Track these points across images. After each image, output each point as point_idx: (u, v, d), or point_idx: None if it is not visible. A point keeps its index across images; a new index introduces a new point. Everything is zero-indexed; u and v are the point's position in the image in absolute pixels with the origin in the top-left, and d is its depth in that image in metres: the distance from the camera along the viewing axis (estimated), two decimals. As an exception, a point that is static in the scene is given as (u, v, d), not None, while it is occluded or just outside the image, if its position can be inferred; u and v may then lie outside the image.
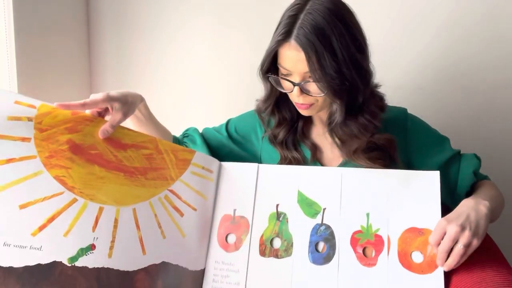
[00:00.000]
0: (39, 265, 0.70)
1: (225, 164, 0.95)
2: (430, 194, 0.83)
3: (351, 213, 0.86)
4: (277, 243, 0.88)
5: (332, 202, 0.87)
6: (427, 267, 0.79)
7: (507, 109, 1.25)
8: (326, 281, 0.83)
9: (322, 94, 0.85)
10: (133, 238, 0.81)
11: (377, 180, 0.87)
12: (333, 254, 0.84)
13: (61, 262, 0.72)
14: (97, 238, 0.77)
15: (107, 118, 0.84)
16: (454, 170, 0.95)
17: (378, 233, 0.84)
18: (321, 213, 0.87)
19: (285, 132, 0.97)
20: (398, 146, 0.93)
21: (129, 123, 0.93)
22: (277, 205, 0.90)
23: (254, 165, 0.93)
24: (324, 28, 0.80)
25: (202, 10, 1.46)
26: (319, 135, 0.99)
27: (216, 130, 1.09)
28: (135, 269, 0.81)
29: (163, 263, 0.84)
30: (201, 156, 0.91)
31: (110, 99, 0.81)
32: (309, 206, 0.88)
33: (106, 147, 0.81)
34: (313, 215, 0.87)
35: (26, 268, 0.69)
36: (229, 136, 1.07)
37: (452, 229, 0.74)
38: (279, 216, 0.89)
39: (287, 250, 0.87)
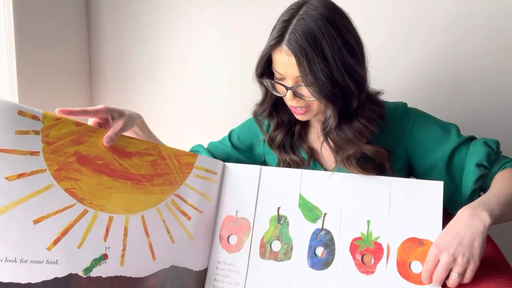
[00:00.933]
0: (56, 279, 0.71)
1: (229, 166, 0.96)
2: (432, 205, 0.82)
3: (352, 219, 0.86)
4: (277, 246, 0.89)
5: (333, 208, 0.87)
6: None
7: (507, 109, 1.25)
8: (324, 286, 0.84)
9: (314, 99, 0.86)
10: (143, 245, 0.82)
11: (380, 187, 0.86)
12: (332, 259, 0.85)
13: (76, 274, 0.73)
14: (108, 247, 0.78)
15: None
16: (459, 166, 0.90)
17: (378, 241, 0.83)
18: (322, 218, 0.88)
19: (282, 135, 0.99)
20: (400, 143, 0.93)
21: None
22: (279, 208, 0.91)
23: (256, 167, 0.95)
24: (315, 34, 0.80)
25: (202, 11, 1.45)
26: (317, 138, 1.00)
27: (220, 143, 1.11)
28: (146, 275, 0.82)
29: (172, 266, 0.86)
30: (204, 159, 0.92)
31: (109, 109, 0.83)
32: (310, 211, 0.89)
33: (112, 157, 0.81)
34: (314, 219, 0.88)
35: (44, 283, 0.69)
36: (233, 146, 1.09)
37: (443, 260, 0.72)
38: (280, 219, 0.91)
39: (287, 253, 0.88)
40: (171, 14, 1.48)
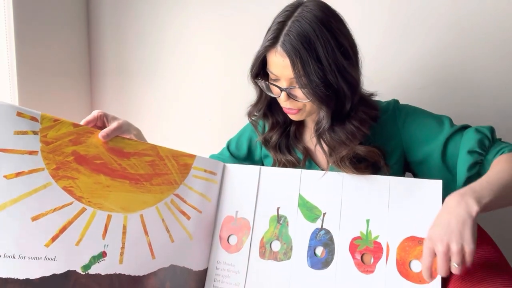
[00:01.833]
0: (54, 275, 0.72)
1: (229, 166, 0.97)
2: (431, 203, 0.81)
3: (351, 219, 0.86)
4: (277, 246, 0.89)
5: (332, 207, 0.87)
6: None
7: (507, 109, 1.24)
8: (324, 286, 0.84)
9: (308, 100, 0.86)
10: (142, 244, 0.83)
11: (379, 186, 0.86)
12: (332, 259, 0.85)
13: (75, 271, 0.74)
14: (107, 245, 0.78)
15: None
16: (453, 154, 0.89)
17: (377, 240, 0.83)
18: (321, 217, 0.87)
19: (278, 136, 0.99)
20: (393, 139, 0.93)
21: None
22: (278, 208, 0.91)
23: (256, 167, 0.95)
24: (309, 36, 0.81)
25: (203, 11, 1.47)
26: (312, 138, 1.00)
27: (220, 154, 1.12)
28: (145, 273, 0.83)
29: (171, 266, 0.86)
30: (202, 160, 0.93)
31: (105, 114, 0.86)
32: (309, 210, 0.89)
33: (110, 157, 0.82)
34: (313, 219, 0.88)
35: (42, 279, 0.70)
36: (232, 155, 1.10)
37: (439, 251, 0.70)
38: (279, 219, 0.90)
39: (286, 253, 0.88)
40: (171, 14, 1.50)
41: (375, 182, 0.86)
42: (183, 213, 0.89)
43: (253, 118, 1.01)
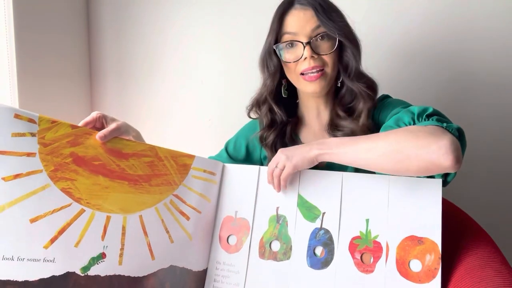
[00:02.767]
0: (53, 277, 0.72)
1: (228, 166, 0.97)
2: (431, 202, 0.81)
3: (351, 218, 0.86)
4: (276, 246, 0.89)
5: (331, 207, 0.87)
6: (425, 276, 0.79)
7: (507, 108, 1.26)
8: (323, 286, 0.84)
9: (333, 50, 0.90)
10: (142, 244, 0.83)
11: (378, 185, 0.85)
12: (331, 259, 0.85)
13: (74, 272, 0.74)
14: (106, 246, 0.78)
15: None
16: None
17: (377, 239, 0.83)
18: (321, 217, 0.87)
19: (274, 135, 1.00)
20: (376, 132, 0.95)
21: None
22: (277, 208, 0.91)
23: (255, 167, 0.94)
24: None
25: (203, 12, 1.48)
26: (309, 136, 1.02)
27: (218, 156, 1.12)
28: (145, 274, 0.82)
29: (171, 266, 0.86)
30: (201, 160, 0.93)
31: (104, 115, 0.87)
32: (308, 210, 0.88)
33: (109, 158, 0.82)
34: (313, 219, 0.88)
35: (41, 281, 0.70)
36: (230, 156, 1.10)
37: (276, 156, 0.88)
38: (279, 219, 0.90)
39: (286, 253, 0.88)
40: (171, 15, 1.51)
41: (374, 181, 0.86)
42: (183, 214, 0.89)
43: (252, 115, 1.03)
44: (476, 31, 1.24)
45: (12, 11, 1.26)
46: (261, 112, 1.02)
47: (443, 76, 1.29)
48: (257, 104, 1.02)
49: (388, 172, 0.79)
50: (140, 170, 0.85)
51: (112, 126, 0.83)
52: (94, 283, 0.75)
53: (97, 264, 0.77)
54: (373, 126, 0.95)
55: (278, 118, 1.00)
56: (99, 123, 0.85)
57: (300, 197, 0.90)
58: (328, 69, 0.92)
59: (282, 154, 0.86)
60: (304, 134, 1.03)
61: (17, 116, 0.74)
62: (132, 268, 0.81)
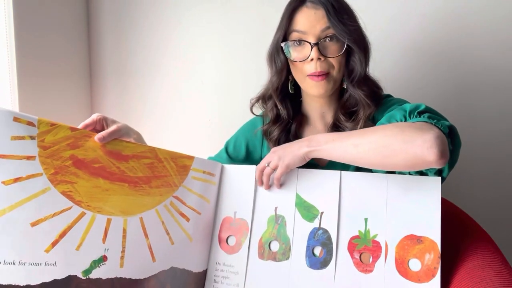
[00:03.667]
0: (55, 280, 0.71)
1: (227, 167, 0.96)
2: (430, 201, 0.81)
3: (349, 218, 0.85)
4: (275, 246, 0.89)
5: (330, 206, 0.87)
6: (424, 276, 0.79)
7: (507, 108, 1.26)
8: (323, 286, 0.83)
9: (340, 53, 0.89)
10: (142, 247, 0.82)
11: (377, 184, 0.85)
12: (330, 259, 0.84)
13: (75, 276, 0.74)
14: (108, 249, 0.78)
15: None
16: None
17: (376, 239, 0.83)
18: (319, 217, 0.87)
19: (279, 131, 1.00)
20: None
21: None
22: (276, 208, 0.91)
23: (253, 167, 0.94)
24: None
25: (203, 12, 1.47)
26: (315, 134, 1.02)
27: (217, 156, 1.12)
28: (146, 276, 0.82)
29: (172, 268, 0.86)
30: (201, 161, 0.93)
31: (104, 117, 0.86)
32: (307, 210, 0.88)
33: (109, 160, 0.82)
34: (311, 218, 0.87)
35: (43, 285, 0.70)
36: (230, 156, 1.10)
37: (267, 156, 0.90)
38: (277, 219, 0.90)
39: (285, 253, 0.87)
40: (171, 14, 1.50)
41: (373, 180, 0.86)
42: (183, 215, 0.88)
43: (254, 110, 1.03)
44: (476, 28, 1.25)
45: (12, 11, 1.25)
46: (267, 107, 1.02)
47: (443, 76, 1.29)
48: (262, 98, 1.02)
49: (376, 167, 0.79)
50: (140, 172, 0.85)
51: (111, 128, 0.83)
52: (95, 286, 0.75)
53: (99, 267, 0.76)
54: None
55: (282, 114, 1.00)
56: (99, 126, 0.84)
57: (298, 196, 0.89)
58: (334, 72, 0.91)
59: (274, 154, 0.87)
60: (307, 134, 1.03)
61: (16, 119, 0.73)
62: (133, 270, 0.80)
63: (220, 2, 1.45)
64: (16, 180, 0.71)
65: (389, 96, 0.99)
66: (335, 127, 0.97)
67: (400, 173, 0.84)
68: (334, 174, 0.88)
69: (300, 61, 0.92)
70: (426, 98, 1.30)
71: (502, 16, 1.22)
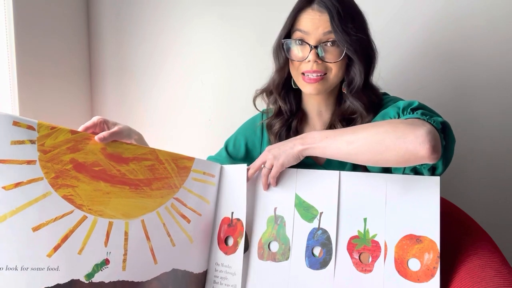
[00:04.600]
0: (58, 285, 0.71)
1: (226, 167, 0.96)
2: (429, 200, 0.80)
3: (348, 217, 0.85)
4: (275, 246, 0.89)
5: (329, 206, 0.86)
6: (424, 275, 0.78)
7: (507, 109, 1.26)
8: (322, 286, 0.83)
9: (338, 60, 0.88)
10: (144, 249, 0.82)
11: (376, 184, 0.84)
12: (330, 259, 0.84)
13: (78, 280, 0.74)
14: (110, 252, 0.78)
15: None
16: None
17: (375, 239, 0.82)
18: (318, 217, 0.87)
19: (280, 125, 1.01)
20: None
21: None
22: (275, 209, 0.90)
23: (244, 166, 0.93)
24: (344, 1, 0.88)
25: (203, 12, 1.46)
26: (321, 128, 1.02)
27: (217, 155, 1.12)
28: (149, 279, 0.82)
29: (173, 270, 0.86)
30: (201, 162, 0.93)
31: (105, 120, 0.85)
32: (306, 210, 0.88)
33: (109, 163, 0.81)
34: (310, 219, 0.87)
35: (46, 290, 0.70)
36: (229, 155, 1.10)
37: (262, 154, 0.90)
38: (277, 220, 0.90)
39: (285, 254, 0.87)
40: (171, 14, 1.50)
41: (372, 180, 0.85)
42: (183, 217, 0.88)
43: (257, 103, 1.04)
44: (476, 28, 1.25)
45: (12, 11, 1.24)
46: (269, 100, 1.03)
47: (444, 76, 1.29)
48: (266, 91, 1.02)
49: (370, 163, 0.80)
50: (141, 174, 0.85)
51: (113, 128, 0.83)
52: (98, 289, 0.75)
53: (101, 270, 0.76)
54: None
55: (284, 109, 1.01)
56: (100, 128, 0.84)
57: (297, 197, 0.89)
58: (331, 75, 0.91)
59: (269, 153, 0.88)
60: (306, 130, 1.03)
61: (15, 123, 0.72)
62: (136, 273, 0.81)
63: (220, 2, 1.44)
64: (17, 185, 0.71)
65: (385, 94, 0.99)
66: (332, 128, 0.97)
67: (395, 170, 0.84)
68: (333, 174, 0.88)
69: (298, 61, 0.92)
70: (425, 98, 1.29)
71: (501, 15, 1.22)
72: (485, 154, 1.29)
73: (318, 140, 0.82)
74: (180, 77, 1.52)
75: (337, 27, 0.86)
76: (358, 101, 0.92)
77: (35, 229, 0.71)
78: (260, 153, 1.07)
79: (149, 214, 0.84)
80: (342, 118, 0.95)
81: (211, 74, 1.49)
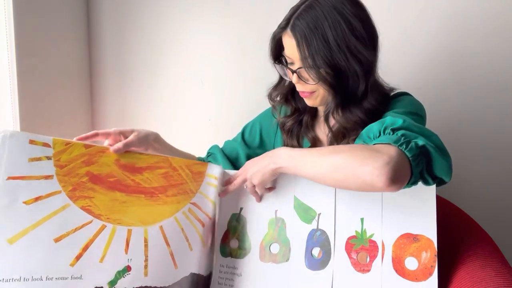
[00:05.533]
0: (82, 293, 0.73)
1: (228, 172, 0.96)
2: (425, 199, 0.80)
3: (346, 218, 0.85)
4: (275, 248, 0.89)
5: (327, 208, 0.87)
6: (421, 274, 0.79)
7: (507, 108, 1.25)
8: (322, 286, 0.84)
9: (315, 83, 0.87)
10: (165, 254, 0.84)
11: None
12: (328, 259, 0.85)
13: (102, 287, 0.75)
14: (131, 259, 0.80)
15: None
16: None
17: (372, 238, 0.83)
18: (317, 218, 0.87)
19: (292, 122, 1.02)
20: None
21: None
22: (276, 211, 0.91)
23: (230, 172, 0.95)
24: (317, 17, 0.82)
25: (203, 12, 1.49)
26: (320, 130, 1.02)
27: (234, 140, 1.13)
28: (170, 284, 0.83)
29: (191, 274, 0.87)
30: (213, 167, 0.94)
31: (120, 131, 0.89)
32: (305, 212, 0.88)
33: (123, 173, 0.84)
34: (309, 220, 0.88)
35: (71, 298, 0.72)
36: (244, 142, 1.10)
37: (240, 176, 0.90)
38: (278, 222, 0.90)
39: (285, 255, 0.88)
40: (171, 14, 1.52)
41: None
42: (199, 221, 0.90)
43: (274, 100, 1.03)
44: (476, 28, 1.24)
45: (12, 11, 1.26)
46: (284, 100, 1.02)
47: (444, 76, 1.29)
48: (276, 91, 1.02)
49: (336, 187, 0.81)
50: (155, 182, 0.87)
51: (130, 139, 0.87)
52: (122, 296, 0.77)
53: (124, 277, 0.78)
54: None
55: (300, 106, 1.01)
56: (113, 140, 0.87)
57: (296, 199, 0.89)
58: (321, 89, 0.89)
59: (245, 172, 0.88)
60: (316, 127, 1.03)
61: (32, 141, 0.76)
62: (158, 278, 0.82)
63: (220, 2, 1.46)
64: (37, 199, 0.74)
65: (403, 94, 0.96)
66: (336, 133, 0.95)
67: None
68: None
69: (286, 79, 0.94)
70: (425, 98, 1.28)
71: (500, 15, 1.21)
72: (485, 154, 1.28)
73: (286, 161, 0.81)
74: (180, 77, 1.54)
75: (304, 59, 0.85)
76: (351, 115, 0.89)
77: (57, 240, 0.74)
78: (274, 145, 1.08)
79: (167, 220, 0.86)
80: (344, 128, 0.92)
81: (211, 74, 1.50)
